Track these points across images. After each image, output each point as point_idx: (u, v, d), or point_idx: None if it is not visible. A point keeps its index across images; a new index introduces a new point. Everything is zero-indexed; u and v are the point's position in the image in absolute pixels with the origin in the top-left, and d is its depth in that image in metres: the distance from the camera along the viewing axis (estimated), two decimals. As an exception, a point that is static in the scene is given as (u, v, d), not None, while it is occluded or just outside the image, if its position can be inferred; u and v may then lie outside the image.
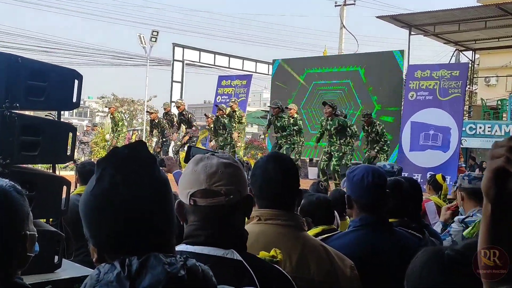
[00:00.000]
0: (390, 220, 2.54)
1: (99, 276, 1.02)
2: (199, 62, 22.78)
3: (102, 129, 20.05)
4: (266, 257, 1.60)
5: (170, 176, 4.02)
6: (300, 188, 2.01)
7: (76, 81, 3.31)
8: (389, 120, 14.90)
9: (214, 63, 23.14)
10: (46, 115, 3.69)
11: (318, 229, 2.95)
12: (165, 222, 1.17)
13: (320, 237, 2.31)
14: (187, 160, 2.68)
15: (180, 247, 1.50)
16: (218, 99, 18.75)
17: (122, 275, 1.00)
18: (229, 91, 18.51)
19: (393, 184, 2.71)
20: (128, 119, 33.44)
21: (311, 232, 2.83)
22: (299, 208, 3.22)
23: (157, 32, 23.66)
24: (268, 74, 22.41)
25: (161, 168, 3.80)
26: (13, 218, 1.39)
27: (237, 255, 1.46)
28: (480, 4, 18.97)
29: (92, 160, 18.28)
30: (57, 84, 3.23)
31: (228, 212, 1.51)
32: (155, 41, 23.61)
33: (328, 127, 11.43)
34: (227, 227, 1.50)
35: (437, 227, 4.11)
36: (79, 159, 17.67)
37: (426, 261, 1.62)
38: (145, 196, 1.13)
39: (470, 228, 3.13)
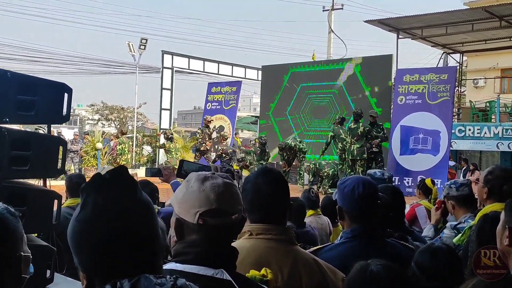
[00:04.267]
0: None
1: None
2: (188, 69, 22.72)
3: (92, 137, 19.93)
4: (256, 275, 1.61)
5: (168, 186, 4.03)
6: (290, 201, 2.03)
7: (66, 95, 3.30)
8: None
9: (204, 69, 23.10)
10: (36, 129, 3.69)
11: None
12: (152, 243, 1.19)
13: (311, 249, 2.32)
14: (179, 174, 2.69)
15: (169, 266, 1.51)
16: (208, 106, 18.78)
17: None
18: (219, 97, 18.54)
19: None
20: (118, 126, 33.33)
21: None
22: None
23: (146, 39, 23.64)
24: (257, 80, 22.43)
25: (159, 178, 3.79)
26: (7, 240, 1.39)
27: (226, 275, 1.47)
28: (467, 7, 19.13)
29: (82, 168, 18.24)
30: (47, 98, 3.22)
31: (232, 231, 1.56)
32: (144, 49, 23.58)
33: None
34: (220, 245, 1.52)
35: (429, 231, 4.12)
36: (69, 169, 17.58)
37: (353, 274, 1.72)
38: (130, 219, 1.15)
39: (460, 235, 3.14)
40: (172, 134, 17.16)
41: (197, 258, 1.49)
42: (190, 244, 1.51)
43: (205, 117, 17.40)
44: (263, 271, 1.62)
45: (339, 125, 13.79)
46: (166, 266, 1.51)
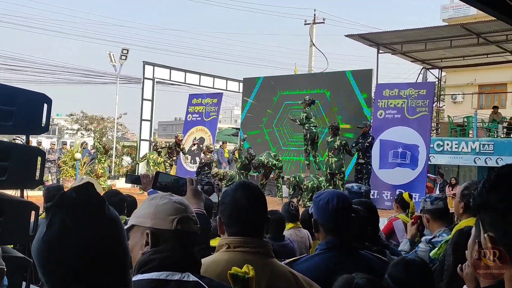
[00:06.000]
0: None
1: None
2: (170, 80, 22.68)
3: (71, 147, 19.74)
4: (238, 272, 1.65)
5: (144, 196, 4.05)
6: (268, 215, 2.05)
7: (45, 105, 3.29)
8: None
9: (185, 81, 23.10)
10: (13, 139, 3.66)
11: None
12: (121, 259, 1.17)
13: (287, 260, 2.35)
14: (154, 185, 2.71)
15: (135, 278, 1.52)
16: (189, 118, 18.76)
17: None
18: (200, 109, 18.54)
19: None
20: (98, 136, 33.08)
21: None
22: None
23: (127, 50, 23.59)
24: (239, 92, 22.48)
25: (137, 185, 3.89)
26: None
27: (193, 276, 1.54)
28: (445, 24, 19.51)
29: (60, 179, 18.03)
30: (25, 108, 3.20)
31: (197, 240, 1.68)
32: (125, 59, 23.52)
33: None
34: (188, 252, 1.60)
35: (404, 245, 4.18)
36: (46, 180, 17.37)
37: (338, 287, 1.75)
38: (98, 236, 1.13)
39: (436, 249, 3.20)
40: (162, 148, 16.99)
41: (163, 263, 1.54)
42: (155, 252, 1.57)
43: (176, 135, 17.52)
44: (245, 268, 1.66)
45: (308, 107, 13.99)
46: (134, 279, 1.52)
